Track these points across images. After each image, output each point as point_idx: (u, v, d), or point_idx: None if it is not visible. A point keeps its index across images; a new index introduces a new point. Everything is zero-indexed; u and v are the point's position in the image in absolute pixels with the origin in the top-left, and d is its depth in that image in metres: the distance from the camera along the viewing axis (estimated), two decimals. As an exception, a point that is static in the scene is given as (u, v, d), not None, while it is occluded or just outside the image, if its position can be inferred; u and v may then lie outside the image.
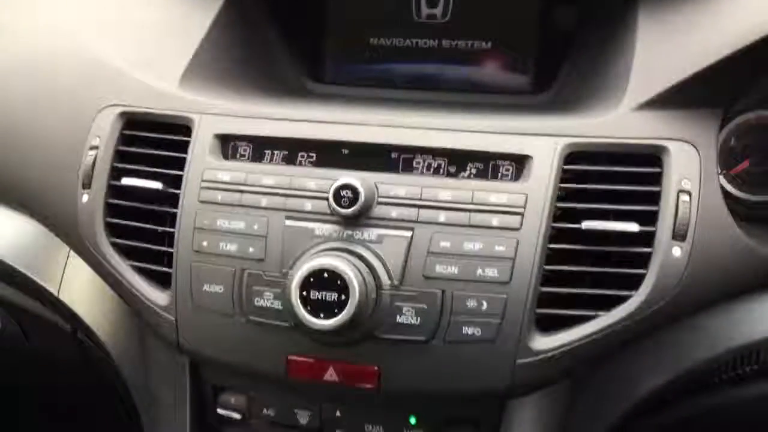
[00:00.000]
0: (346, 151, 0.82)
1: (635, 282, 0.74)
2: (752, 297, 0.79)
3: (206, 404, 0.87)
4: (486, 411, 0.79)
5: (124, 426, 1.06)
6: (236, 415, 0.85)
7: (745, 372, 0.80)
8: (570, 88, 0.93)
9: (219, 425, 0.87)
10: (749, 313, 0.79)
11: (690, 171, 0.76)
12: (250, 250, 0.78)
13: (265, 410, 0.84)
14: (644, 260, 0.74)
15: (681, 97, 0.77)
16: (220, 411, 0.86)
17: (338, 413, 0.82)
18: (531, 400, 0.78)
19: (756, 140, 0.85)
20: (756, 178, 0.85)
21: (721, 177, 0.81)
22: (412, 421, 0.80)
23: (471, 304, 0.74)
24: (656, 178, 0.76)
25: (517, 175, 0.78)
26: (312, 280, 0.72)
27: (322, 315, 0.72)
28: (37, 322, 1.03)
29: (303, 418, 0.83)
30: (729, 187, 0.84)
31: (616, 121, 0.78)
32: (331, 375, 0.77)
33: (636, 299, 0.74)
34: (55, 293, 0.95)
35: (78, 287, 0.95)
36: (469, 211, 0.76)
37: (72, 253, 0.95)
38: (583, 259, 0.75)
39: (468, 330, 0.74)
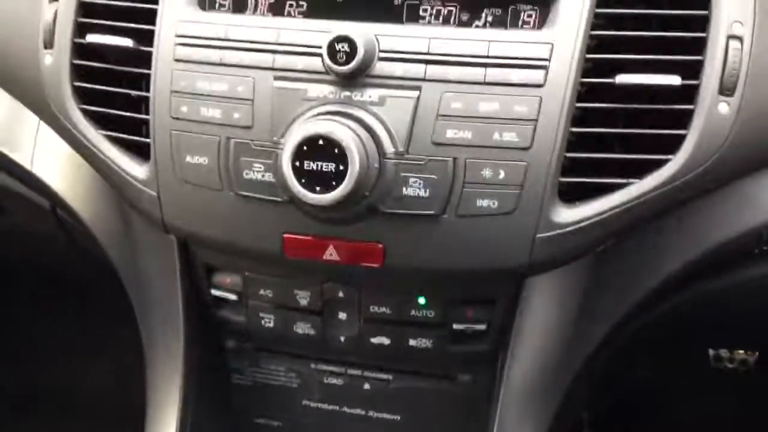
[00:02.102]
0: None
1: (673, 145, 0.65)
2: None
3: (199, 285, 0.81)
4: (502, 290, 0.73)
5: (118, 309, 1.01)
6: (232, 296, 0.79)
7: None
8: None
9: (214, 307, 0.82)
10: None
11: (743, 13, 0.64)
12: (236, 115, 0.69)
13: (262, 291, 0.78)
14: (685, 119, 0.65)
15: None
16: (214, 292, 0.80)
17: (341, 294, 0.76)
18: (550, 277, 0.71)
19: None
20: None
21: None
22: (421, 301, 0.74)
23: (486, 172, 0.65)
24: (702, 23, 0.65)
25: (541, 22, 0.66)
26: (306, 148, 0.63)
27: (318, 188, 0.63)
28: (15, 198, 0.95)
29: (303, 299, 0.77)
30: None
31: None
32: (331, 254, 0.70)
33: (673, 164, 0.65)
34: (28, 167, 0.87)
35: (52, 161, 0.87)
36: (485, 65, 0.65)
37: (43, 123, 0.86)
38: (614, 120, 0.66)
39: (483, 202, 0.66)
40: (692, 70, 0.65)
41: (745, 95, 0.64)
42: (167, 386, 0.83)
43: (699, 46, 0.65)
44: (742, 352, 1.26)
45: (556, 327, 0.74)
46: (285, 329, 0.79)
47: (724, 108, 0.64)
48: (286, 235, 0.70)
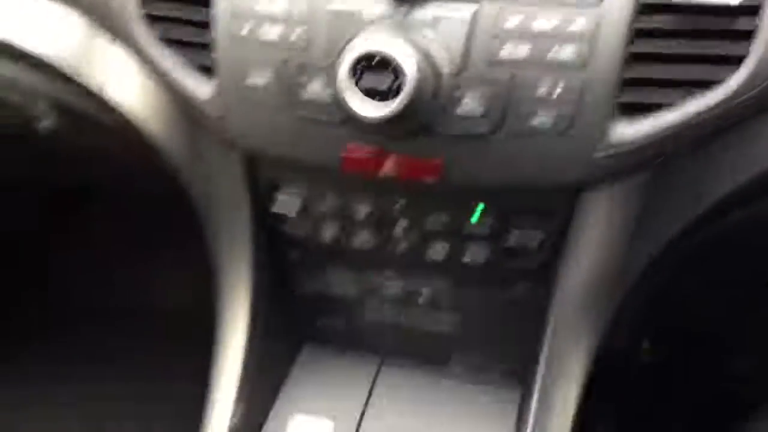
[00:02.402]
0: None
1: (735, 61, 0.63)
2: None
3: (264, 200, 0.85)
4: (557, 205, 0.74)
5: (188, 229, 1.07)
6: (294, 211, 0.83)
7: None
8: None
9: (278, 222, 0.86)
10: None
11: None
12: (292, 37, 0.70)
13: (322, 205, 0.81)
14: (748, 35, 0.63)
15: None
16: (277, 207, 0.84)
17: (397, 208, 0.78)
18: (607, 192, 0.72)
19: None
20: None
21: None
22: (477, 215, 0.76)
23: (543, 90, 0.65)
24: None
25: None
26: (361, 67, 0.64)
27: (373, 105, 0.64)
28: (89, 119, 1.00)
29: (361, 213, 0.80)
30: None
31: None
32: (388, 169, 0.72)
33: (735, 81, 0.63)
34: (101, 88, 0.91)
35: (124, 82, 0.90)
36: None
37: (114, 46, 0.89)
38: (674, 37, 0.64)
39: (539, 120, 0.66)
40: None
41: None
42: (236, 295, 0.89)
43: None
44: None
45: (610, 242, 0.75)
46: (344, 243, 0.82)
47: None
48: (344, 152, 0.73)
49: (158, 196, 1.39)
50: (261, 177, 0.83)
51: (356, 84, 0.65)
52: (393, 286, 0.89)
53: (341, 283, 0.92)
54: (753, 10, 0.63)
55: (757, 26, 0.63)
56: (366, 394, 0.92)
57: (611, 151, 0.67)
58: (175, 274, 1.71)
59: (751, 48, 0.63)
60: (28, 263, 1.82)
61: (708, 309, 1.26)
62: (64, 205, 1.80)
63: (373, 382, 0.94)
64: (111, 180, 1.37)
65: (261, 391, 0.90)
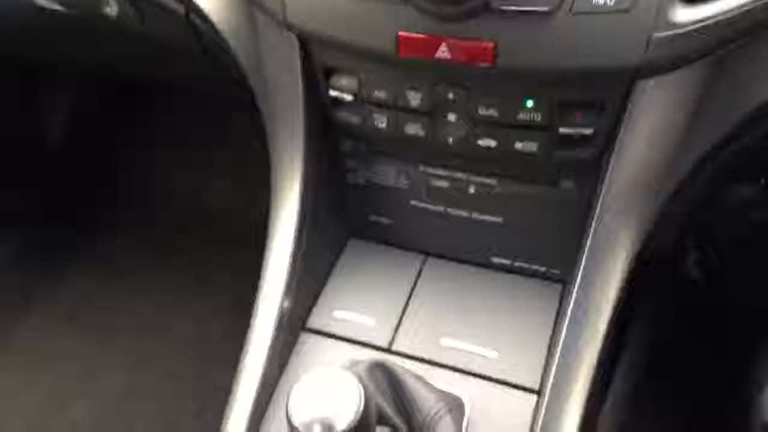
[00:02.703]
0: None
1: None
2: None
3: (318, 86, 0.85)
4: (611, 93, 0.73)
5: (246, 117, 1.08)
6: (348, 97, 0.83)
7: None
8: None
9: (332, 108, 0.86)
10: None
11: None
12: None
13: (376, 92, 0.81)
14: None
15: None
16: (331, 93, 0.84)
17: (451, 95, 0.78)
18: (662, 82, 0.70)
19: None
20: None
21: None
22: (530, 103, 0.75)
23: None
24: None
25: None
26: None
27: None
28: (153, 5, 1.02)
29: (415, 100, 0.80)
30: None
31: None
32: (443, 51, 0.71)
33: None
34: None
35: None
36: None
37: None
38: None
39: None
40: None
41: None
42: (287, 185, 0.90)
43: None
44: None
45: (662, 133, 0.74)
46: (396, 130, 0.83)
47: None
48: (400, 34, 0.72)
49: (220, 95, 1.41)
50: (316, 61, 0.83)
51: None
52: (442, 178, 0.90)
53: (391, 174, 0.93)
54: None
55: None
56: (408, 291, 0.94)
57: (671, 33, 0.65)
58: (236, 176, 1.76)
59: None
60: (94, 160, 1.89)
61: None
62: (129, 101, 1.85)
63: (416, 279, 0.95)
64: (173, 76, 1.40)
65: (307, 284, 0.92)
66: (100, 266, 1.72)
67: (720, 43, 0.67)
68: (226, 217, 1.76)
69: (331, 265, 0.98)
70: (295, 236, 0.88)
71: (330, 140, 0.92)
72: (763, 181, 1.18)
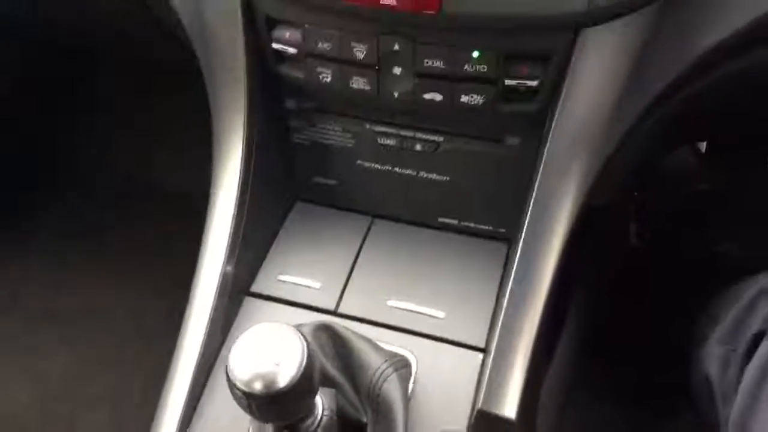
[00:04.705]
0: None
1: None
2: None
3: (261, 39, 0.83)
4: (557, 44, 0.72)
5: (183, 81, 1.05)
6: (291, 50, 0.81)
7: None
8: None
9: (275, 62, 0.84)
10: None
11: None
12: None
13: (320, 44, 0.79)
14: None
15: None
16: (274, 45, 0.82)
17: (396, 47, 0.76)
18: (607, 30, 0.70)
19: None
20: None
21: None
22: (475, 54, 0.74)
23: None
24: None
25: None
26: None
27: None
28: None
29: (360, 52, 0.78)
30: None
31: None
32: None
33: None
34: None
35: None
36: None
37: None
38: None
39: None
40: None
41: None
42: (229, 147, 0.88)
43: None
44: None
45: (608, 83, 0.74)
46: (341, 84, 0.81)
47: None
48: None
49: (162, 62, 1.37)
50: (258, 12, 0.81)
51: None
52: (388, 135, 0.88)
53: (337, 132, 0.91)
54: None
55: None
56: (355, 254, 0.93)
57: None
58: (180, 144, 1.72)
59: None
60: (35, 129, 1.82)
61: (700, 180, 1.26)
62: (69, 69, 1.79)
63: (363, 241, 0.94)
64: (114, 42, 1.35)
65: (250, 248, 0.90)
66: (41, 247, 1.67)
67: None
68: (169, 187, 1.72)
69: (276, 229, 0.96)
70: (237, 199, 0.86)
71: (273, 98, 0.89)
72: (704, 147, 1.21)
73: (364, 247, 0.93)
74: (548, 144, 0.76)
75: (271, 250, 0.94)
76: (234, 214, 0.85)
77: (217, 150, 0.89)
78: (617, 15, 0.69)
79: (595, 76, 0.73)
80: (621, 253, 1.32)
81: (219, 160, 0.89)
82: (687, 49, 0.73)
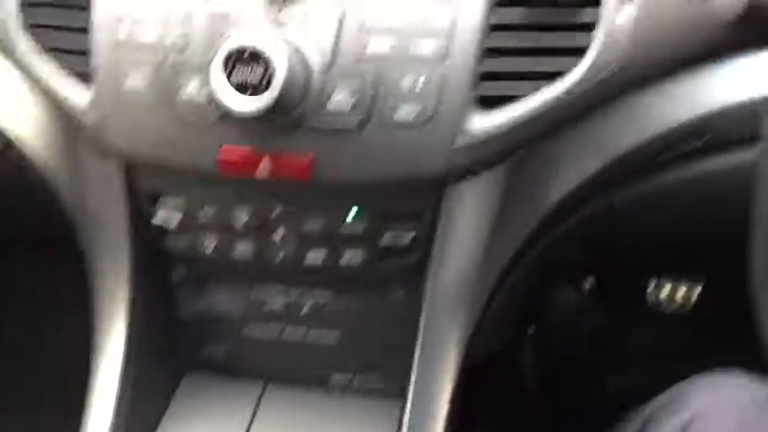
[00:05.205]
0: None
1: (580, 51, 0.70)
2: (698, 69, 0.74)
3: (144, 213, 0.84)
4: (425, 200, 0.77)
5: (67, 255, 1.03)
6: (174, 222, 0.82)
7: (690, 149, 0.77)
8: None
9: (158, 235, 0.85)
10: (695, 87, 0.74)
11: None
12: (170, 38, 0.73)
13: (202, 214, 0.81)
14: (590, 27, 0.70)
15: None
16: (157, 219, 0.83)
17: (276, 212, 0.79)
18: (469, 186, 0.75)
19: None
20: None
21: None
22: (352, 215, 0.78)
23: (406, 82, 0.69)
24: None
25: None
26: (233, 61, 0.67)
27: (246, 99, 0.67)
28: None
29: (241, 219, 0.80)
30: None
31: None
32: (264, 168, 0.73)
33: (579, 70, 0.69)
34: None
35: (2, 99, 0.89)
36: None
37: None
38: (525, 31, 0.70)
39: (403, 111, 0.70)
40: None
41: (646, 2, 0.69)
42: (112, 322, 0.86)
43: None
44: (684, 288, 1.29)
45: (475, 236, 0.78)
46: (225, 253, 0.82)
47: (625, 15, 0.69)
48: (220, 152, 0.74)
49: (36, 228, 1.33)
50: (140, 188, 0.82)
51: (228, 79, 0.67)
52: (275, 300, 0.89)
53: (223, 301, 0.90)
54: (595, 2, 0.69)
55: (598, 18, 0.69)
56: (247, 424, 0.89)
57: (470, 141, 0.71)
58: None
59: (592, 39, 0.69)
60: None
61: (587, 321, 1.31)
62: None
63: (255, 410, 0.91)
64: None
65: (136, 427, 0.85)
66: None
67: (516, 145, 0.73)
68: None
69: (165, 404, 0.92)
70: (120, 378, 0.83)
71: (158, 271, 0.89)
72: (588, 284, 1.27)
73: (257, 415, 0.90)
74: (426, 297, 0.78)
75: (160, 427, 0.89)
76: (117, 394, 0.82)
77: (98, 326, 0.87)
78: (476, 172, 0.74)
79: (463, 229, 0.77)
80: (518, 398, 1.33)
81: (100, 337, 0.86)
82: (540, 199, 0.79)
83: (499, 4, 0.70)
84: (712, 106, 0.74)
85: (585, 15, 0.70)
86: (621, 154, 0.76)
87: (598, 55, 0.69)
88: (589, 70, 0.69)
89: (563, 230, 0.81)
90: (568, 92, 0.70)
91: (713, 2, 0.49)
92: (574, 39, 0.70)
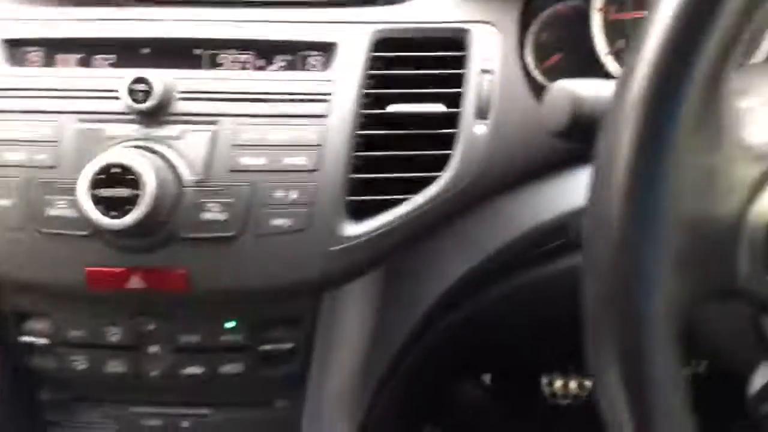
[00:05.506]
0: (146, 50, 0.77)
1: (442, 163, 0.74)
2: (553, 176, 0.79)
3: (10, 334, 0.80)
4: (303, 307, 0.77)
5: None
6: (42, 341, 0.78)
7: (551, 248, 0.81)
8: None
9: (26, 355, 0.81)
10: (549, 192, 0.79)
11: (491, 51, 0.77)
12: (40, 157, 0.72)
13: (72, 331, 0.78)
14: (450, 141, 0.74)
15: None
16: (24, 338, 0.79)
17: (151, 326, 0.77)
18: (346, 291, 0.77)
19: (564, 32, 0.86)
20: (567, 70, 0.87)
21: (535, 70, 0.83)
22: (230, 325, 0.77)
23: (279, 194, 0.71)
24: (460, 61, 0.76)
25: (326, 65, 0.76)
26: (102, 177, 0.67)
27: (113, 214, 0.67)
28: None
29: (114, 335, 0.77)
30: (540, 78, 0.85)
31: (423, 7, 0.79)
32: (135, 282, 0.72)
33: (442, 180, 0.74)
34: None
35: None
36: (276, 101, 0.73)
37: None
38: (393, 144, 0.74)
39: (277, 221, 0.71)
40: (454, 100, 0.75)
41: (496, 119, 0.75)
42: None
43: (459, 80, 0.76)
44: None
45: (356, 338, 0.79)
46: (98, 370, 0.79)
47: (480, 130, 0.75)
48: (88, 268, 0.72)
49: None
50: (7, 305, 0.79)
51: (97, 196, 0.67)
52: (152, 415, 0.85)
53: (97, 421, 0.86)
54: (453, 120, 0.75)
55: (457, 131, 0.74)
56: None
57: (344, 246, 0.73)
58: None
59: (452, 152, 0.74)
60: None
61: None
62: None
63: None
64: None
65: None
66: None
67: (388, 250, 0.75)
68: None
69: None
70: None
71: (24, 392, 0.84)
72: (486, 379, 1.27)
73: None
74: (307, 405, 0.77)
75: None
76: None
77: None
78: (351, 277, 0.76)
79: (343, 334, 0.78)
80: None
81: None
82: (418, 298, 0.81)
83: (366, 120, 0.74)
84: (568, 208, 0.79)
85: (445, 128, 0.75)
86: (491, 253, 0.79)
87: (460, 165, 0.74)
88: (452, 178, 0.74)
89: (441, 330, 0.83)
90: (434, 199, 0.73)
91: (543, 115, 0.54)
92: (437, 151, 0.74)
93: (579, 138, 0.51)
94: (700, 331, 0.47)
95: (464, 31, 0.76)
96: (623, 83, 0.40)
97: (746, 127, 0.43)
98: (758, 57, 0.80)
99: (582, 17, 0.82)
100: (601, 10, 0.81)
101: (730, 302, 0.45)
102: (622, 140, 0.39)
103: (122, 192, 0.67)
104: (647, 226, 0.40)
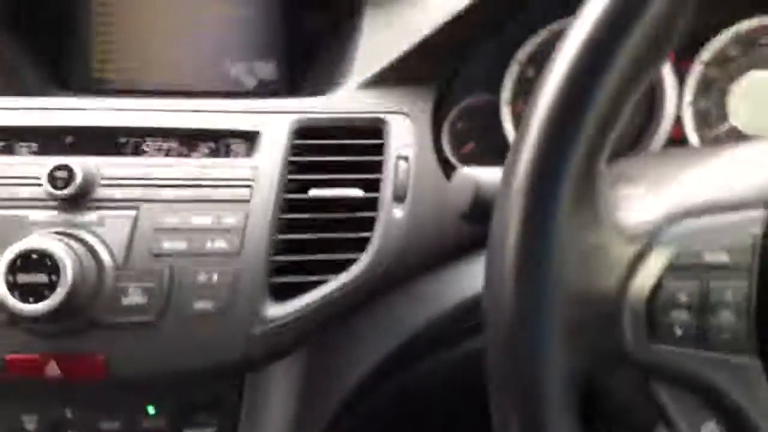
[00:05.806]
0: (70, 139, 0.79)
1: (362, 245, 0.77)
2: (474, 255, 0.82)
3: None
4: (225, 390, 0.77)
5: None
6: None
7: (468, 327, 0.83)
8: (312, 80, 0.96)
9: None
10: (473, 269, 0.83)
11: (407, 139, 0.81)
12: None
13: None
14: (370, 224, 0.78)
15: (396, 75, 0.84)
16: None
17: (69, 414, 0.76)
18: (269, 372, 0.77)
19: (478, 122, 0.92)
20: (481, 157, 0.92)
21: (453, 157, 0.88)
22: (150, 411, 0.76)
23: (201, 277, 0.72)
24: (378, 149, 0.80)
25: (249, 152, 0.79)
26: (20, 263, 0.67)
27: (31, 300, 0.66)
28: None
29: (31, 423, 0.75)
30: (458, 165, 0.90)
31: (342, 98, 0.83)
32: (52, 369, 0.71)
33: (363, 260, 0.76)
34: None
35: None
36: (199, 186, 0.75)
37: None
38: (315, 227, 0.77)
39: (199, 304, 0.72)
40: (373, 185, 0.79)
41: (413, 202, 0.79)
42: None
43: (377, 166, 0.80)
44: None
45: (280, 419, 0.79)
46: None
47: (398, 213, 0.78)
48: (6, 356, 0.71)
49: None
50: None
51: (14, 281, 0.67)
52: None
53: None
54: (372, 204, 0.78)
55: (376, 214, 0.77)
56: None
57: (265, 329, 0.74)
58: None
59: (372, 235, 0.77)
60: None
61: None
62: None
63: None
64: None
65: None
66: None
67: (311, 331, 0.77)
68: None
69: None
70: None
71: None
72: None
73: None
74: None
75: None
76: None
77: None
78: (275, 358, 0.77)
79: (266, 415, 0.78)
80: None
81: None
82: (343, 379, 0.82)
83: (288, 205, 0.77)
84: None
85: (366, 211, 0.78)
86: (417, 329, 0.81)
87: (380, 246, 0.77)
88: (373, 259, 0.76)
89: (367, 408, 0.83)
90: (356, 280, 0.76)
91: (450, 199, 0.58)
92: (357, 234, 0.77)
93: (481, 220, 0.55)
94: (597, 400, 0.50)
95: (381, 120, 0.81)
96: (509, 170, 0.44)
97: (621, 211, 0.47)
98: (656, 145, 0.87)
99: (493, 109, 0.88)
100: (509, 103, 0.88)
101: (621, 370, 0.48)
102: (509, 222, 0.43)
103: (40, 278, 0.67)
104: (537, 300, 0.43)
